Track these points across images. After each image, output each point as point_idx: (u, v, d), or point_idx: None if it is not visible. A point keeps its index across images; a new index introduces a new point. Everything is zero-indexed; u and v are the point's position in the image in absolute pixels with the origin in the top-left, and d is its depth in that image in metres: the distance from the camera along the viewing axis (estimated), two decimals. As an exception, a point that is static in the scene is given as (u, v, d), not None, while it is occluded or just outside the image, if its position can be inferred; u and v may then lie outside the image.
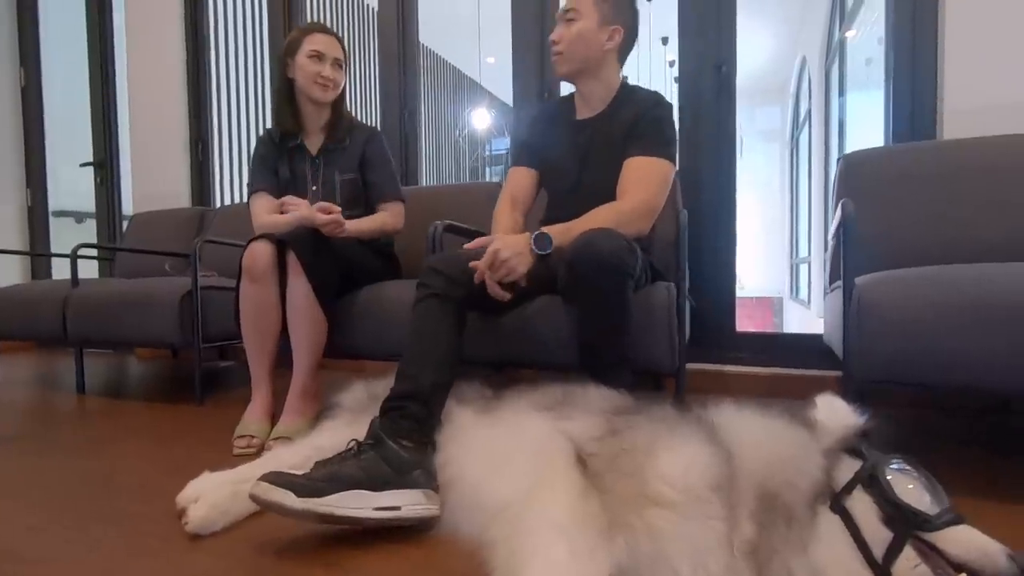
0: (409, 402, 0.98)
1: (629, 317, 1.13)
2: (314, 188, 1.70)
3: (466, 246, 1.18)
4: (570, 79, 1.42)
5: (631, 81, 1.45)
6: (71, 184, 3.57)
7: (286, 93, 1.68)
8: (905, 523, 0.65)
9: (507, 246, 1.10)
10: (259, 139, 1.78)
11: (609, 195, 1.28)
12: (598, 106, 1.41)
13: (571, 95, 1.48)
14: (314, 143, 1.72)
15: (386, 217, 1.69)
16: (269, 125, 1.78)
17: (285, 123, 1.69)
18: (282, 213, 1.54)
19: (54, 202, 3.63)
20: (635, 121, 1.32)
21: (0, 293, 2.28)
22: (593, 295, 1.11)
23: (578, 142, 1.40)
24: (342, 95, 1.73)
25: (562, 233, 1.15)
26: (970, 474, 1.16)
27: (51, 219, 3.62)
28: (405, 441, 0.94)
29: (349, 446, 0.94)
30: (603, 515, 0.69)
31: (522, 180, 1.49)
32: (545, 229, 1.15)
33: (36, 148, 3.57)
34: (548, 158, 1.47)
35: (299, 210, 1.48)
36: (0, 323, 2.23)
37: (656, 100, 1.36)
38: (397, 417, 0.97)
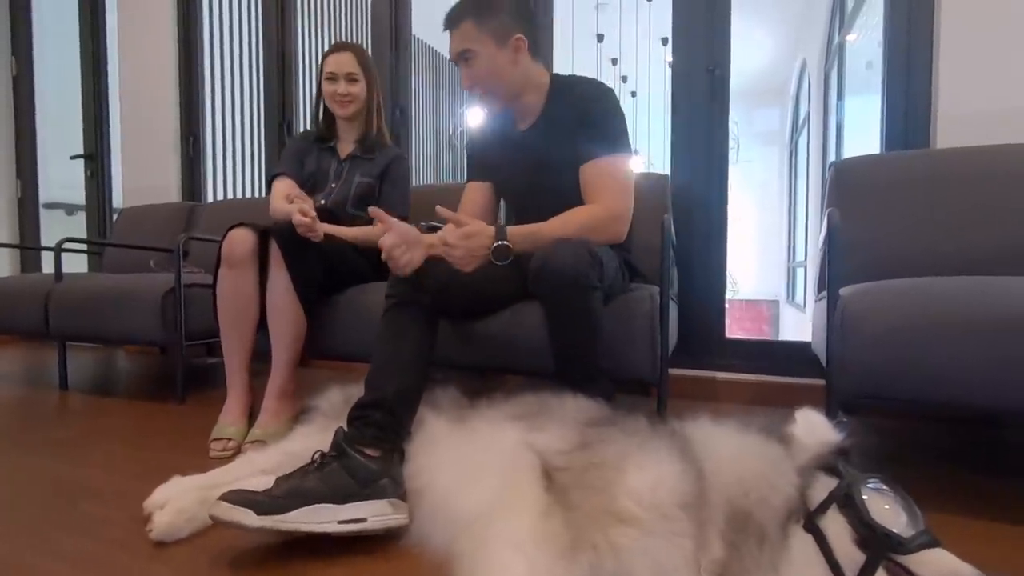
0: (374, 410, 0.97)
1: (598, 328, 1.11)
2: (333, 185, 1.77)
3: (440, 211, 1.13)
4: (507, 107, 1.36)
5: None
6: (62, 176, 3.53)
7: (322, 110, 1.82)
8: (878, 545, 0.64)
9: (464, 246, 1.08)
10: (296, 134, 1.91)
11: (568, 198, 1.23)
12: (535, 112, 1.34)
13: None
14: (345, 150, 1.82)
15: (378, 231, 1.69)
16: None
17: (322, 132, 1.83)
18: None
19: (45, 194, 3.60)
20: (581, 121, 1.26)
21: (-18, 286, 2.25)
22: (557, 310, 1.09)
23: (526, 154, 1.34)
24: (376, 113, 1.81)
25: (530, 236, 1.12)
26: (953, 490, 1.15)
27: (42, 211, 3.59)
28: (369, 450, 0.92)
29: (312, 458, 0.92)
30: (565, 533, 0.67)
31: (478, 195, 1.45)
32: (513, 231, 1.12)
33: (27, 139, 3.53)
34: (499, 172, 1.43)
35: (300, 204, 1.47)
36: (-17, 316, 2.21)
37: (596, 92, 1.29)
38: (361, 426, 0.96)
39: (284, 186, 1.71)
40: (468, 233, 1.09)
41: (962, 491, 1.14)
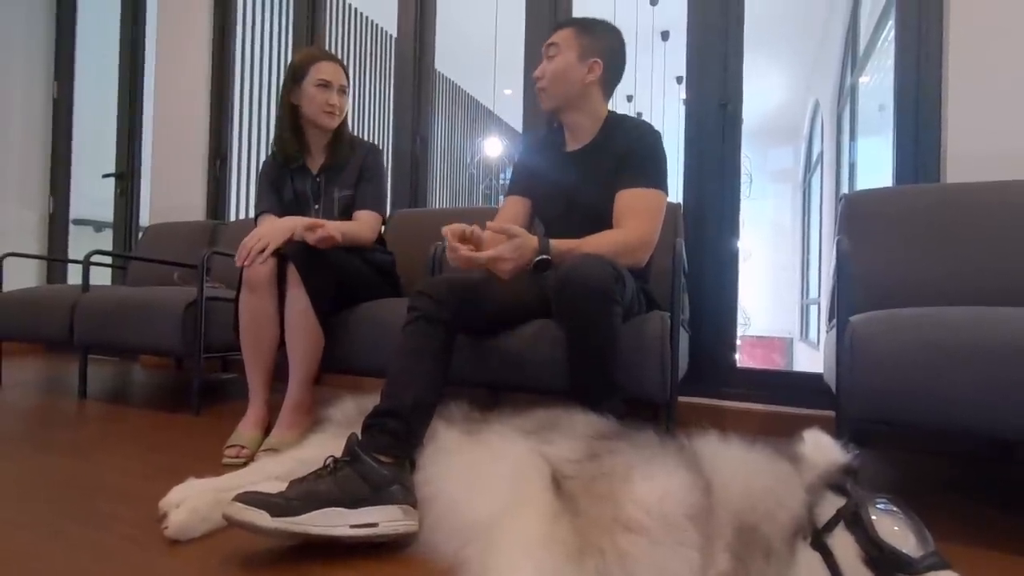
0: (389, 419, 0.98)
1: (616, 344, 1.13)
2: (316, 207, 1.75)
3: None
4: (555, 113, 1.44)
5: (645, 118, 1.47)
6: (93, 194, 3.67)
7: (290, 118, 1.71)
8: (887, 565, 0.64)
9: (514, 259, 1.12)
10: (265, 161, 1.82)
11: (600, 225, 1.29)
12: (586, 138, 1.42)
13: (562, 126, 1.49)
14: (316, 162, 1.77)
15: (353, 225, 1.65)
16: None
17: (288, 148, 1.72)
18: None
19: (75, 211, 3.73)
20: (626, 152, 1.34)
21: (11, 295, 2.33)
22: (578, 321, 1.11)
23: (568, 174, 1.42)
24: (343, 121, 1.76)
25: (570, 251, 1.16)
26: (964, 523, 1.13)
27: (71, 227, 3.71)
28: (383, 457, 0.94)
29: (326, 463, 0.93)
30: (574, 538, 0.68)
31: (515, 209, 1.51)
32: (555, 244, 1.16)
33: (62, 158, 3.68)
34: (539, 189, 1.49)
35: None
36: (10, 325, 2.28)
37: (646, 130, 1.38)
38: (376, 433, 0.97)
39: None
40: (518, 245, 1.13)
41: (974, 524, 1.12)
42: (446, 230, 1.15)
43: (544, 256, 1.15)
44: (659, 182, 1.33)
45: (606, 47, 1.39)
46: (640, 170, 1.32)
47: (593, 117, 1.42)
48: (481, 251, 1.14)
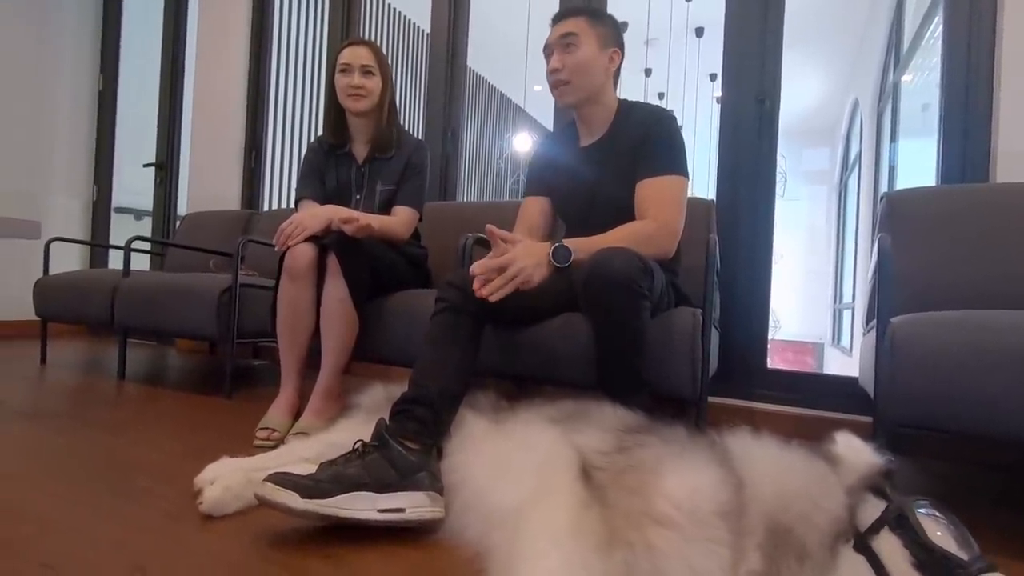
0: (416, 406, 0.99)
1: (644, 338, 1.11)
2: (358, 197, 1.76)
3: (490, 229, 1.14)
4: (575, 107, 1.40)
5: (678, 116, 1.44)
6: (134, 183, 3.79)
7: (333, 107, 1.76)
8: (938, 568, 0.62)
9: (525, 256, 1.10)
10: (309, 146, 1.85)
11: (623, 217, 1.26)
12: (600, 130, 1.40)
13: (573, 121, 1.47)
14: (361, 152, 1.78)
15: (390, 220, 1.68)
16: (320, 134, 1.86)
17: (330, 136, 1.78)
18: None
19: (117, 199, 3.86)
20: (643, 140, 1.31)
21: (56, 278, 2.43)
22: (606, 314, 1.10)
23: (585, 169, 1.40)
24: (389, 109, 1.74)
25: (586, 247, 1.14)
26: (1007, 534, 1.08)
27: (112, 214, 3.84)
28: (410, 443, 0.95)
29: (354, 447, 0.94)
30: (602, 529, 0.67)
31: (535, 209, 1.49)
32: (568, 242, 1.14)
33: (106, 148, 3.81)
34: (558, 187, 1.46)
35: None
36: (55, 306, 2.37)
37: (660, 115, 1.34)
38: (404, 419, 0.98)
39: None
40: (528, 251, 1.10)
41: (1014, 536, 1.08)
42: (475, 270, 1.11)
43: (561, 243, 1.12)
44: (678, 167, 1.29)
45: (619, 36, 1.37)
46: (657, 157, 1.29)
47: (607, 108, 1.39)
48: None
